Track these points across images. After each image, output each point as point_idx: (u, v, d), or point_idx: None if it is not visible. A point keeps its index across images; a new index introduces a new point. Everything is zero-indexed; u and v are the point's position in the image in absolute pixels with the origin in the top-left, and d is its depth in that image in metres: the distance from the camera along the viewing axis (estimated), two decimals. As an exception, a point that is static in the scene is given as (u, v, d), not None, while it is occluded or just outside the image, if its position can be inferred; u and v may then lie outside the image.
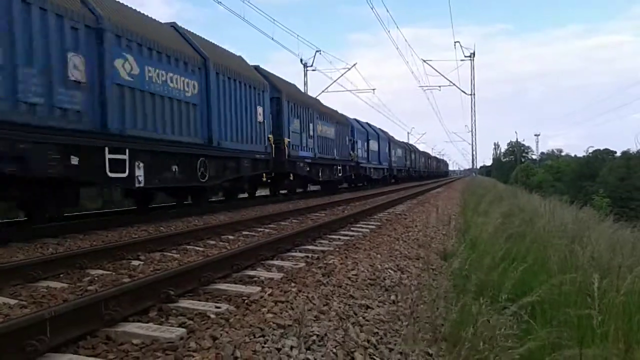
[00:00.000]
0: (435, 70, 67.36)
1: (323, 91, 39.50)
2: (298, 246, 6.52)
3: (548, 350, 3.09)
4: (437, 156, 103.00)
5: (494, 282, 4.61)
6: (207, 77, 11.60)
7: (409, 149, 48.94)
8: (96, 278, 4.83)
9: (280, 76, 18.79)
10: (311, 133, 19.33)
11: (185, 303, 3.78)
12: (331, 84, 40.48)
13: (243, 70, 13.95)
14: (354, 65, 40.50)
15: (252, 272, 4.94)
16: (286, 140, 16.40)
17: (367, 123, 32.30)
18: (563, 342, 3.10)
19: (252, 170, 14.12)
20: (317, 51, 41.63)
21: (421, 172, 57.04)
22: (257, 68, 15.86)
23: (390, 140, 37.81)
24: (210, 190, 12.96)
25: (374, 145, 31.71)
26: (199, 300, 3.90)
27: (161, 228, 8.97)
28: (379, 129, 35.45)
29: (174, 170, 10.34)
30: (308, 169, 18.82)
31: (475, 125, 53.11)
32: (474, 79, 48.38)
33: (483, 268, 5.22)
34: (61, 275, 4.97)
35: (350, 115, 29.29)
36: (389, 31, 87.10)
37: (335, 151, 23.01)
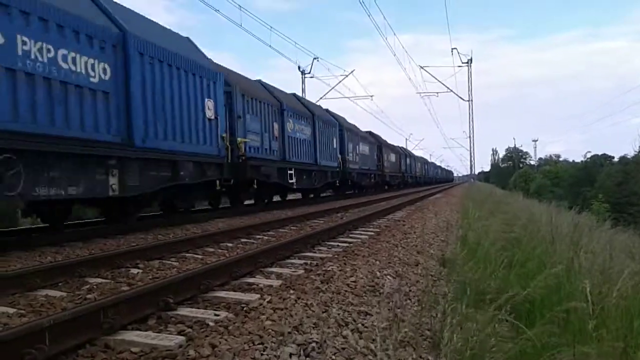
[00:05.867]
0: (433, 76, 67.65)
1: (321, 98, 39.58)
2: (297, 253, 6.53)
3: (544, 350, 3.12)
4: (442, 165, 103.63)
5: (493, 288, 4.62)
6: (126, 57, 9.01)
7: (403, 153, 47.40)
8: (95, 286, 4.83)
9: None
10: (276, 134, 16.36)
11: (184, 311, 3.78)
12: (329, 90, 40.59)
13: (183, 50, 11.14)
14: (352, 72, 40.82)
15: (251, 280, 4.94)
16: (240, 140, 13.66)
17: (353, 125, 29.37)
18: (556, 340, 3.13)
19: (199, 176, 11.46)
20: (314, 58, 41.85)
21: (417, 178, 56.46)
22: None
23: (382, 143, 35.65)
24: (134, 203, 10.14)
25: (364, 148, 29.01)
26: (198, 308, 3.90)
27: (159, 236, 8.96)
28: (369, 131, 33.77)
29: (61, 177, 7.64)
30: (276, 175, 16.16)
31: (473, 131, 53.19)
32: (471, 85, 48.45)
33: (482, 274, 5.23)
34: (60, 284, 4.97)
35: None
36: (386, 38, 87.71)
37: (317, 154, 19.96)
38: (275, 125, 16.50)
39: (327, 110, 24.64)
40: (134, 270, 5.64)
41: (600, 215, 15.04)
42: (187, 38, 12.23)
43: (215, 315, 3.65)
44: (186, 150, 10.84)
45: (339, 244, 7.60)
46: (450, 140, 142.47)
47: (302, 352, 3.10)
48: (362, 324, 3.87)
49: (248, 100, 14.53)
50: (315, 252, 6.76)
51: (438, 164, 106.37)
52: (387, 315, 4.25)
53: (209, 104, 11.85)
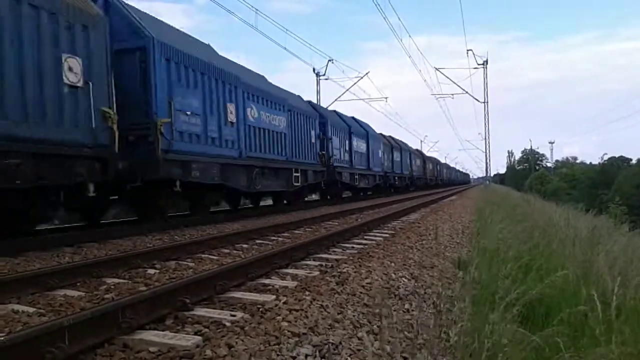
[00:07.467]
0: (448, 78, 67.29)
1: (336, 100, 39.77)
2: (312, 255, 6.54)
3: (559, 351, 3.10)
4: (459, 168, 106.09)
5: (509, 291, 4.58)
6: (350, 136, 24.30)
7: (435, 162, 56.89)
8: (112, 286, 4.88)
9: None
10: (387, 158, 32.66)
11: (200, 311, 3.81)
12: (343, 92, 40.81)
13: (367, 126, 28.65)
14: (367, 74, 40.62)
15: (266, 281, 4.96)
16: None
17: (410, 147, 37.28)
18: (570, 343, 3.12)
19: (379, 180, 29.61)
20: (329, 60, 42.04)
21: (443, 180, 63.17)
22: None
23: (425, 157, 41.23)
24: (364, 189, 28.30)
25: (417, 161, 38.57)
26: (215, 309, 3.92)
27: (176, 237, 9.02)
28: (418, 149, 37.22)
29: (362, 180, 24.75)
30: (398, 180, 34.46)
31: (488, 132, 52.57)
32: (487, 87, 47.96)
33: (498, 277, 5.19)
34: (78, 284, 5.02)
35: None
36: (401, 39, 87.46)
37: (402, 168, 36.71)
38: (389, 155, 32.08)
39: (401, 141, 37.32)
40: (151, 271, 5.68)
41: (618, 218, 14.83)
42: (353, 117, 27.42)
43: (232, 315, 3.68)
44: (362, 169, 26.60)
45: (354, 245, 7.59)
46: (466, 142, 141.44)
47: (317, 353, 3.10)
48: (378, 326, 3.86)
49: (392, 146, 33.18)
50: (330, 254, 6.76)
51: (457, 168, 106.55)
52: (401, 317, 4.24)
53: (379, 152, 28.35)
